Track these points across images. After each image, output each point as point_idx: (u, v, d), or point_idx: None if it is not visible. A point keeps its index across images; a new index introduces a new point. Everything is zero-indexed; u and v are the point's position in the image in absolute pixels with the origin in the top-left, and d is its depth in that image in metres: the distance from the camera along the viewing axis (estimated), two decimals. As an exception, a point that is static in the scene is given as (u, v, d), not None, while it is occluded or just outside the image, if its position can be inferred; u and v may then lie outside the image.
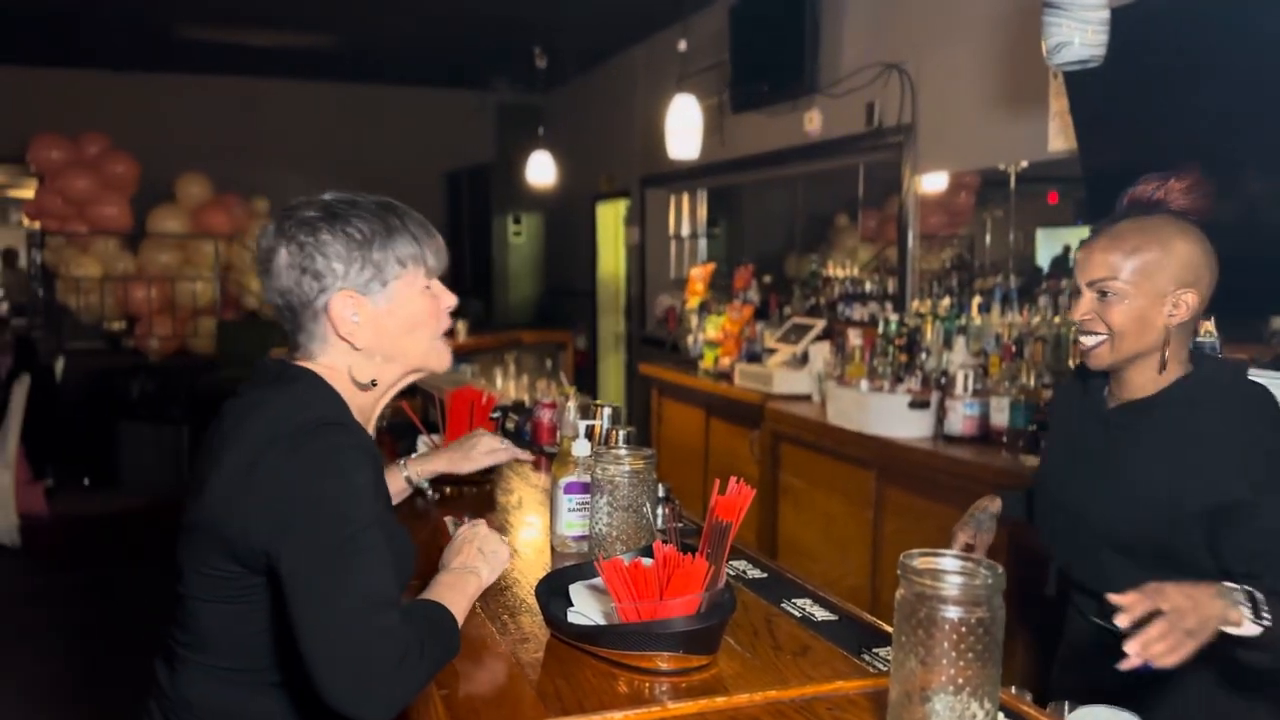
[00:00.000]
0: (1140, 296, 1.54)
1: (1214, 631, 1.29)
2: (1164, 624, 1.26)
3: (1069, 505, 1.67)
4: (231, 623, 1.27)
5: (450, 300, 1.40)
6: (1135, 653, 1.25)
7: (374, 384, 1.36)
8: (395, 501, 1.75)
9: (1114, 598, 1.30)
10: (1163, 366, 1.56)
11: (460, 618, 1.31)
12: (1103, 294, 1.57)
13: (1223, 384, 1.57)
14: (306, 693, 1.15)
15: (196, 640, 1.29)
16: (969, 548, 1.86)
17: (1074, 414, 1.75)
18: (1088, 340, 1.60)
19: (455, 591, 1.34)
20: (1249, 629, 1.30)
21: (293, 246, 1.30)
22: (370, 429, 1.39)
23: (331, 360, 1.34)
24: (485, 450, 2.05)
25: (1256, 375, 2.39)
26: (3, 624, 4.47)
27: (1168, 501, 1.51)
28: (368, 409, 1.38)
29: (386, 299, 1.32)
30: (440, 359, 1.41)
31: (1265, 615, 1.30)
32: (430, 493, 2.07)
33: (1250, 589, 1.33)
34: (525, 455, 2.15)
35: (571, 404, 2.21)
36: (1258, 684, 1.47)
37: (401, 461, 1.96)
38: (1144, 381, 1.59)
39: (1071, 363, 3.01)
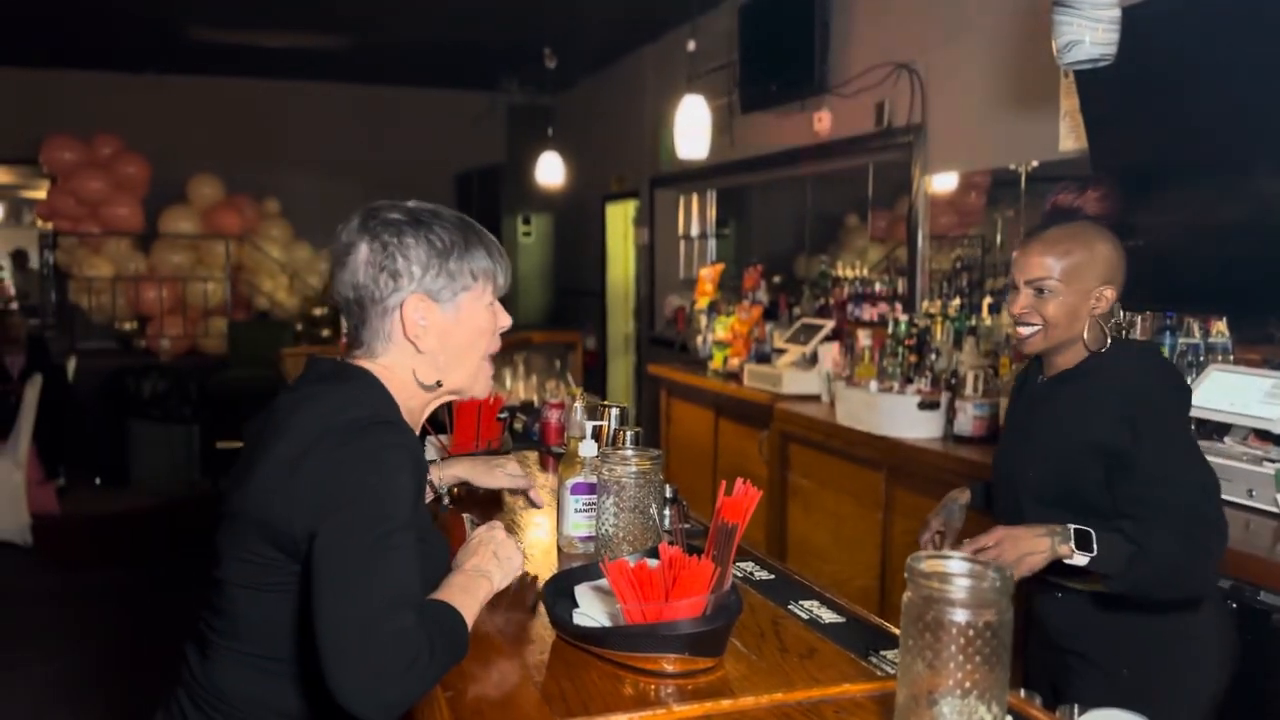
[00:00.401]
0: (1070, 293, 1.81)
1: (1047, 557, 1.68)
2: (990, 554, 1.69)
3: (1002, 470, 1.97)
4: (268, 610, 1.28)
5: (506, 321, 1.46)
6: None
7: (439, 384, 1.40)
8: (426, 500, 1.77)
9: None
10: (1086, 346, 1.85)
11: (470, 620, 1.31)
12: (1039, 291, 1.83)
13: (1130, 355, 1.85)
14: (321, 690, 1.16)
15: (231, 627, 1.31)
16: (940, 535, 2.06)
17: (1020, 396, 2.04)
18: (1024, 330, 1.87)
19: (467, 594, 1.34)
20: (1079, 559, 1.67)
21: (375, 244, 1.34)
22: (415, 430, 1.41)
23: (392, 360, 1.37)
24: (507, 474, 2.04)
25: (1267, 375, 2.38)
26: (15, 623, 4.49)
27: (1069, 450, 1.80)
28: (416, 413, 1.41)
29: (455, 308, 1.38)
30: (484, 383, 1.46)
31: (1093, 548, 1.67)
32: (447, 500, 2.07)
33: (1081, 528, 1.68)
34: (539, 501, 2.10)
35: (578, 405, 2.20)
36: (1133, 605, 1.78)
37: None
38: (1067, 361, 1.88)
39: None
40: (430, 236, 1.35)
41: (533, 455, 2.71)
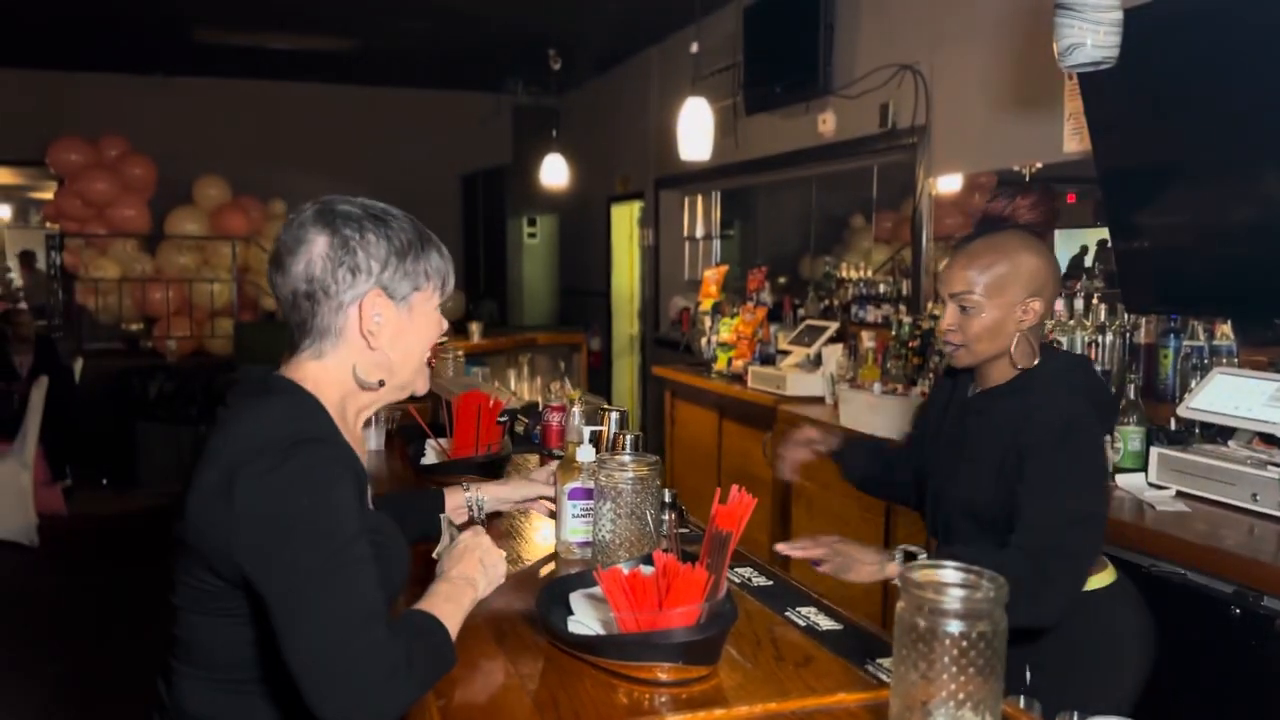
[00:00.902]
0: (994, 308, 1.77)
1: (871, 575, 1.69)
2: (824, 569, 1.71)
3: (932, 485, 1.92)
4: (223, 635, 1.27)
5: (444, 325, 1.44)
6: (782, 549, 1.72)
7: (381, 383, 1.36)
8: (458, 521, 1.75)
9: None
10: (1013, 362, 1.80)
11: (454, 630, 1.29)
12: (963, 307, 1.79)
13: (1057, 371, 1.80)
14: (298, 701, 1.15)
15: (191, 652, 1.30)
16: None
17: (946, 406, 1.98)
18: (948, 347, 1.85)
19: (451, 603, 1.32)
20: None
21: (336, 238, 1.30)
22: (357, 430, 1.39)
23: (337, 358, 1.33)
24: (540, 483, 2.00)
25: (1273, 378, 2.36)
26: (21, 623, 4.50)
27: (999, 470, 1.75)
28: (353, 415, 1.38)
29: (408, 307, 1.35)
30: (424, 383, 1.44)
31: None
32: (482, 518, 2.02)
33: (910, 548, 1.69)
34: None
35: (576, 409, 2.18)
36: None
37: (464, 483, 1.92)
38: (998, 375, 1.83)
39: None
40: (389, 233, 1.33)
41: (534, 459, 2.70)
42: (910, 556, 1.66)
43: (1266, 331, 2.70)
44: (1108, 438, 2.64)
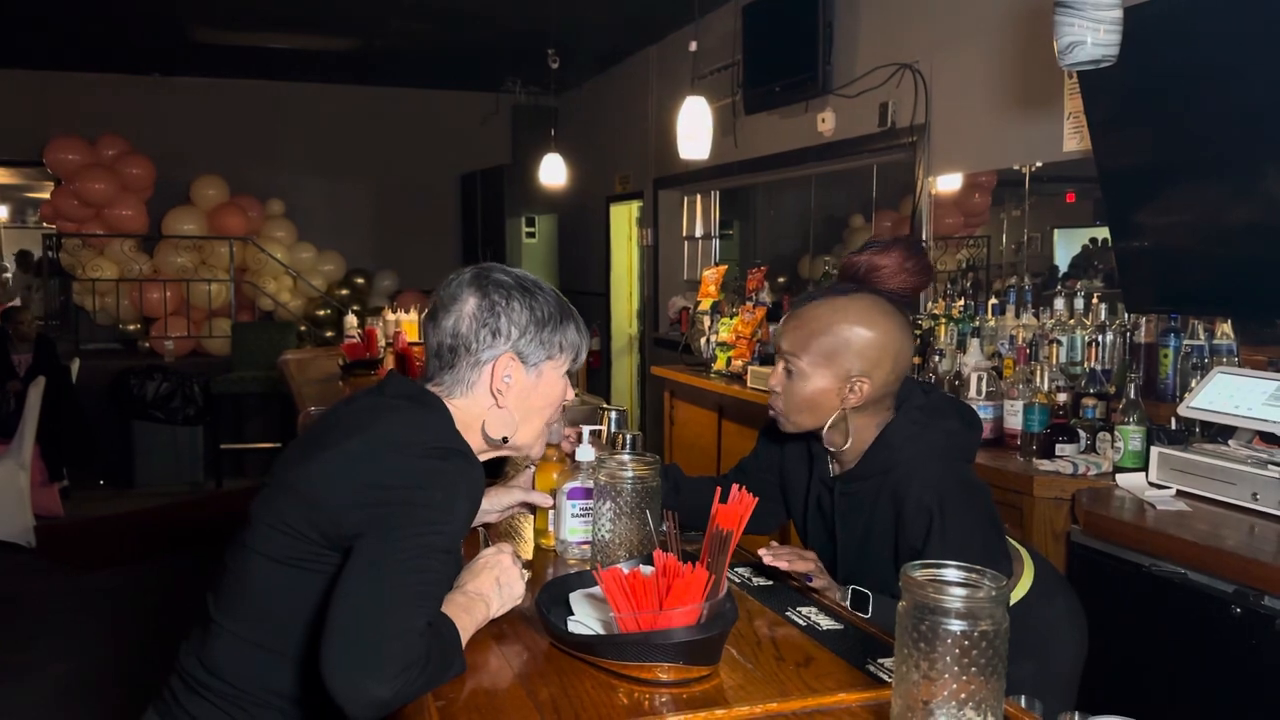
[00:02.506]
0: (817, 378, 1.64)
1: (832, 595, 1.63)
2: (809, 572, 1.65)
3: (825, 556, 1.77)
4: (280, 585, 1.32)
5: (571, 396, 1.55)
6: (769, 553, 1.63)
7: (505, 440, 1.48)
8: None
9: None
10: (845, 440, 1.68)
11: (464, 640, 1.32)
12: (788, 370, 1.67)
13: (910, 438, 1.65)
14: (318, 680, 1.17)
15: (236, 603, 1.36)
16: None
17: (809, 477, 1.83)
18: (771, 410, 1.73)
19: (466, 614, 1.35)
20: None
21: (485, 301, 1.44)
22: None
23: (468, 405, 1.45)
24: (522, 489, 1.99)
25: (1272, 377, 2.35)
26: (18, 625, 4.50)
27: (892, 558, 1.64)
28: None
29: (538, 373, 1.48)
30: (540, 448, 1.56)
31: (868, 613, 1.56)
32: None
33: (859, 590, 1.59)
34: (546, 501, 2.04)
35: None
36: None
37: None
38: (852, 451, 1.70)
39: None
40: (533, 304, 1.46)
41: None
42: (859, 596, 1.59)
43: (1265, 330, 2.70)
44: (1107, 436, 2.65)
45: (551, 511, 1.88)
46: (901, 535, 1.64)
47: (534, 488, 1.88)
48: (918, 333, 3.75)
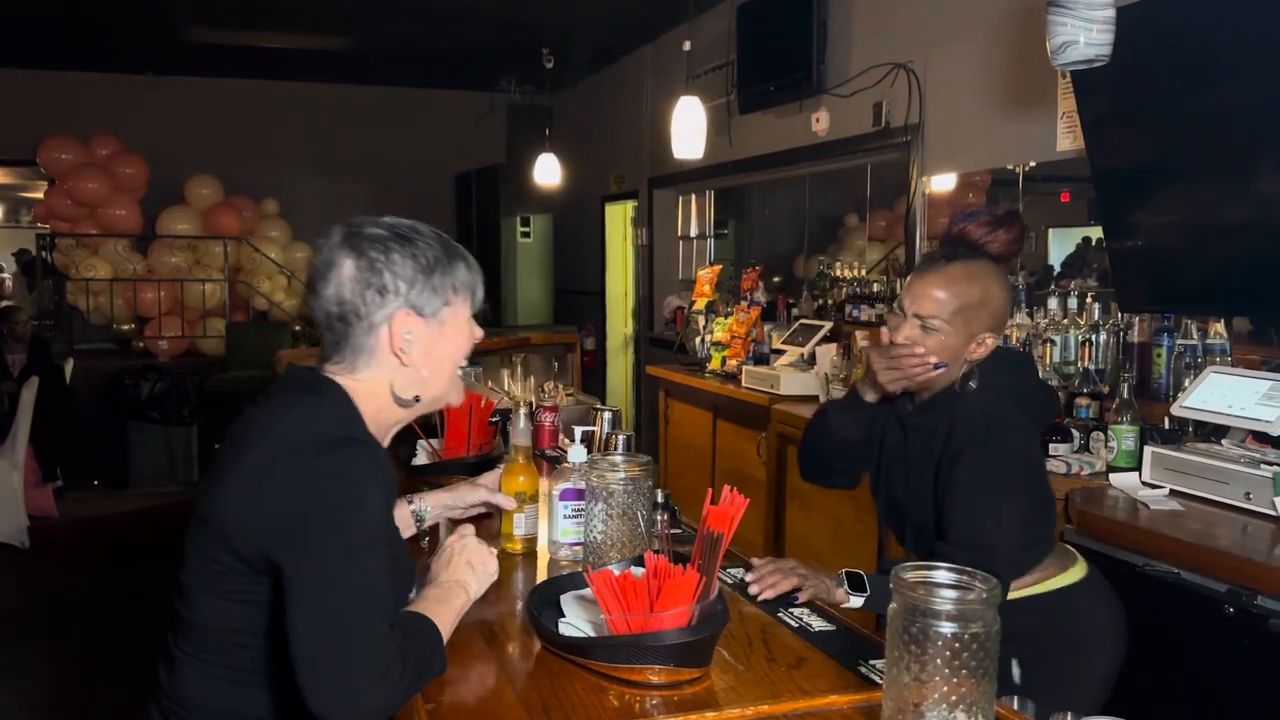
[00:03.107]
0: (955, 335, 1.73)
1: (826, 597, 1.66)
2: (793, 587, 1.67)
3: (897, 504, 1.89)
4: (229, 618, 1.27)
5: (479, 334, 1.46)
6: (753, 579, 1.68)
7: (417, 400, 1.40)
8: (405, 535, 1.73)
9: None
10: (955, 385, 1.77)
11: (446, 633, 1.30)
12: (925, 327, 1.74)
13: (985, 375, 1.75)
14: (295, 696, 1.16)
15: (194, 636, 1.30)
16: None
17: (885, 416, 1.92)
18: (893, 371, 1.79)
19: (443, 606, 1.33)
20: (854, 601, 1.66)
21: (362, 260, 1.33)
22: (385, 445, 1.40)
23: (374, 374, 1.36)
24: (487, 489, 1.95)
25: (1265, 377, 2.36)
26: (11, 625, 4.48)
27: (935, 484, 1.75)
28: (386, 428, 1.41)
29: (439, 322, 1.38)
30: (459, 393, 1.47)
31: (866, 590, 1.66)
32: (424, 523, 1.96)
33: (853, 571, 1.68)
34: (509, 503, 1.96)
35: (521, 412, 2.05)
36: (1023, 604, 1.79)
37: (409, 496, 1.88)
38: (920, 393, 1.82)
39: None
40: (415, 252, 1.35)
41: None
42: (854, 577, 1.67)
43: (1263, 330, 2.70)
44: (1101, 435, 2.65)
45: (516, 515, 1.87)
46: (944, 454, 1.72)
47: (499, 489, 1.86)
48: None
